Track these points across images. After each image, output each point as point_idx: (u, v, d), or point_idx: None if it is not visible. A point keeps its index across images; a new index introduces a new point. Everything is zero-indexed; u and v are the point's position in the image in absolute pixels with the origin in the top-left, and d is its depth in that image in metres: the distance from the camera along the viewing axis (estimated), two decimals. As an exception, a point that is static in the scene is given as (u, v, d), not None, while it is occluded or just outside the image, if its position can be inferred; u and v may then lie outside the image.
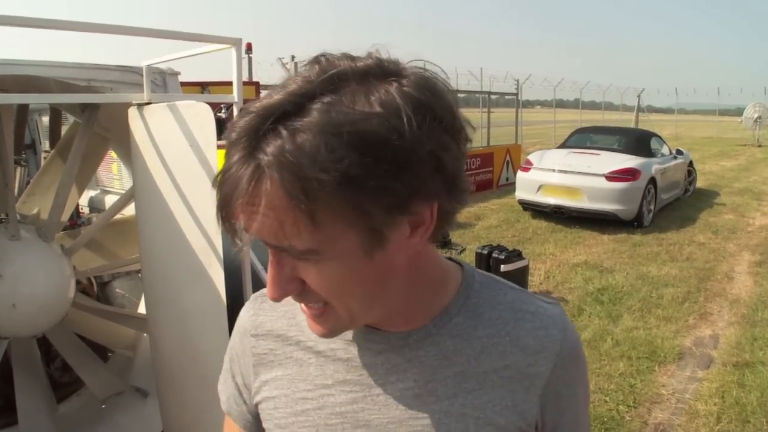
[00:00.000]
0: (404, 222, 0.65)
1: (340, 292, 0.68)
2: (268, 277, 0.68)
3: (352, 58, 0.64)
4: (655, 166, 9.40)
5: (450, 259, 0.84)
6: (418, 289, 0.76)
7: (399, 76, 0.63)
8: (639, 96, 28.34)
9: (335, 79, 0.61)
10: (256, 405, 0.87)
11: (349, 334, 0.79)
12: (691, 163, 11.92)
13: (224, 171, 0.62)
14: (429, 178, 0.63)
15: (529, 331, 0.78)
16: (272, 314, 0.87)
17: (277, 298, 0.68)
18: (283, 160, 0.58)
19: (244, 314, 0.91)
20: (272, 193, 0.59)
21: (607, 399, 3.86)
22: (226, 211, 0.63)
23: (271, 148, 0.59)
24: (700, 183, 13.18)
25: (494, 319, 0.79)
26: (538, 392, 0.77)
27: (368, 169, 0.58)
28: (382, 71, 0.63)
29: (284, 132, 0.59)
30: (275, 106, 0.60)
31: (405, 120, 0.59)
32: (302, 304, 0.72)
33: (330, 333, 0.74)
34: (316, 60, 0.65)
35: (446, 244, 7.32)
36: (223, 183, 0.62)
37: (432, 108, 0.62)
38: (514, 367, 0.77)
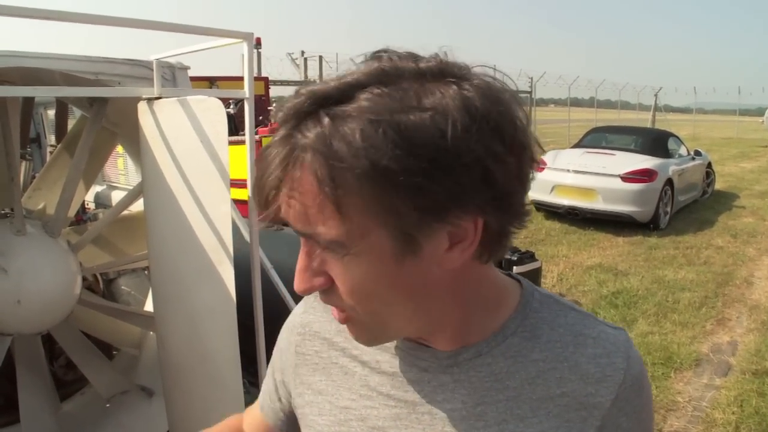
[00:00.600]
0: (442, 232, 0.63)
1: (365, 294, 0.65)
2: (296, 271, 0.67)
3: (416, 58, 0.64)
4: (672, 167, 9.36)
5: (509, 275, 0.81)
6: (467, 308, 0.73)
7: (462, 80, 0.62)
8: (656, 95, 28.24)
9: (391, 74, 0.61)
10: (296, 407, 0.87)
11: (398, 349, 0.78)
12: (709, 165, 11.86)
13: (265, 149, 0.63)
14: (473, 189, 0.60)
15: (591, 357, 0.74)
16: (323, 316, 0.86)
17: (302, 291, 0.67)
18: (317, 143, 0.59)
19: (297, 310, 0.91)
20: (302, 176, 0.60)
21: (622, 405, 3.85)
22: (259, 191, 0.63)
23: (309, 131, 0.59)
24: (718, 185, 13.11)
25: (553, 342, 0.75)
26: (596, 424, 0.72)
27: (402, 164, 0.57)
28: (444, 73, 0.62)
29: (325, 118, 0.59)
30: (323, 92, 0.61)
31: (450, 120, 0.58)
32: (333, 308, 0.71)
33: (366, 341, 0.73)
34: (376, 55, 0.65)
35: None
36: (260, 161, 0.63)
37: (489, 115, 0.60)
38: (572, 395, 0.72)
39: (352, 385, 0.80)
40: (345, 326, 0.79)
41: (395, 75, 0.61)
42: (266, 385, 0.95)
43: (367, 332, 0.71)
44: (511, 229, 0.68)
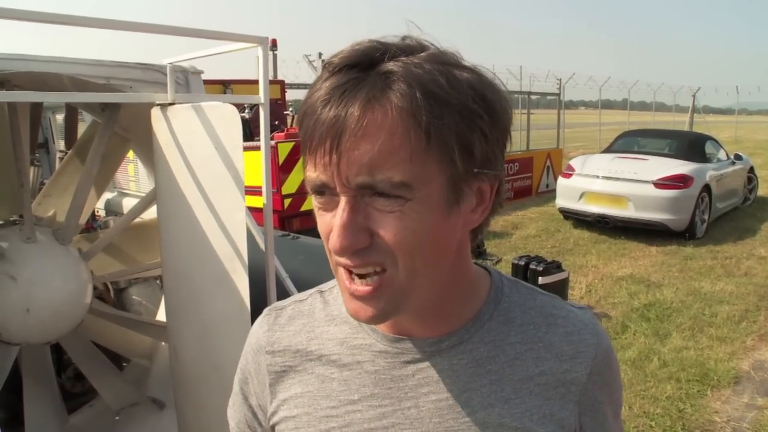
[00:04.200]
0: (474, 190, 0.73)
1: (414, 244, 0.68)
2: (337, 226, 0.67)
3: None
4: (709, 172, 9.30)
5: (476, 263, 0.87)
6: (455, 288, 0.79)
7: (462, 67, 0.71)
8: (694, 95, 27.93)
9: (418, 47, 0.70)
10: (273, 427, 0.87)
11: (377, 345, 0.81)
12: (751, 169, 11.75)
13: (326, 97, 0.66)
14: (501, 151, 0.73)
15: (563, 336, 0.82)
16: (289, 329, 0.88)
17: (345, 247, 0.67)
18: (412, 72, 0.65)
19: (258, 330, 0.91)
20: (385, 114, 0.64)
21: (653, 424, 3.84)
22: (332, 138, 0.65)
23: (393, 73, 0.65)
24: (762, 191, 12.96)
25: (526, 324, 0.82)
26: (574, 399, 0.80)
27: (479, 108, 0.68)
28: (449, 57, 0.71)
29: (403, 58, 0.66)
30: (387, 43, 0.68)
31: (500, 84, 0.72)
32: (352, 285, 0.71)
33: (380, 314, 0.72)
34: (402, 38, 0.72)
35: (481, 254, 7.33)
36: (327, 105, 0.66)
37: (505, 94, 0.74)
38: (550, 373, 0.80)
39: (331, 393, 0.82)
40: (316, 333, 0.85)
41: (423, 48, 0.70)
42: (238, 416, 0.94)
43: (391, 300, 0.71)
44: (497, 206, 0.77)
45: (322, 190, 0.69)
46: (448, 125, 0.65)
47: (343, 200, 0.67)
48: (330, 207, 0.70)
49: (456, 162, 0.67)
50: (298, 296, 0.94)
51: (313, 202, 0.73)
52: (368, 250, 0.68)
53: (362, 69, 0.66)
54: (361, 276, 0.70)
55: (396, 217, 0.67)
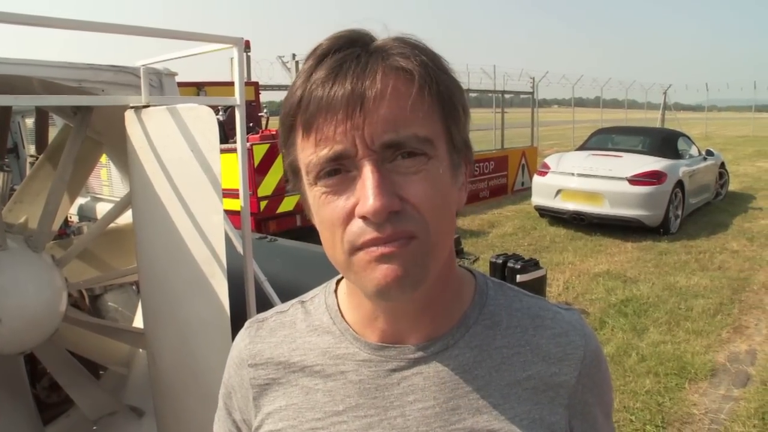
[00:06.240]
0: (464, 164, 0.77)
1: (440, 205, 0.70)
2: (371, 188, 0.66)
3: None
4: (682, 168, 9.46)
5: (459, 266, 0.86)
6: (445, 283, 0.79)
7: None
8: (665, 93, 28.39)
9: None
10: None
11: (360, 354, 0.80)
12: (722, 165, 11.98)
13: (328, 75, 0.68)
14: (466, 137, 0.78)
15: (550, 338, 0.80)
16: (271, 341, 0.87)
17: (385, 207, 0.66)
18: (408, 43, 0.71)
19: (240, 343, 0.90)
20: (406, 69, 0.69)
21: (633, 418, 3.89)
22: (352, 106, 0.67)
23: (386, 42, 0.71)
24: (733, 186, 13.20)
25: (512, 328, 0.81)
26: (564, 402, 0.79)
27: (458, 82, 0.75)
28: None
29: (386, 39, 0.73)
30: (363, 29, 0.73)
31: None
32: (378, 248, 0.68)
33: (409, 275, 0.69)
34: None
35: (458, 253, 7.35)
36: (334, 81, 0.68)
37: None
38: (537, 377, 0.78)
39: (315, 404, 0.80)
40: (298, 344, 0.84)
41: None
42: (224, 431, 0.92)
43: (419, 265, 0.69)
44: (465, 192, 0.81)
45: (335, 167, 0.68)
46: (450, 88, 0.72)
47: (367, 166, 0.67)
48: (342, 188, 0.69)
49: (459, 121, 0.74)
50: (279, 307, 0.92)
51: (314, 192, 0.71)
52: (399, 217, 0.67)
53: (358, 46, 0.70)
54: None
55: (422, 178, 0.68)
